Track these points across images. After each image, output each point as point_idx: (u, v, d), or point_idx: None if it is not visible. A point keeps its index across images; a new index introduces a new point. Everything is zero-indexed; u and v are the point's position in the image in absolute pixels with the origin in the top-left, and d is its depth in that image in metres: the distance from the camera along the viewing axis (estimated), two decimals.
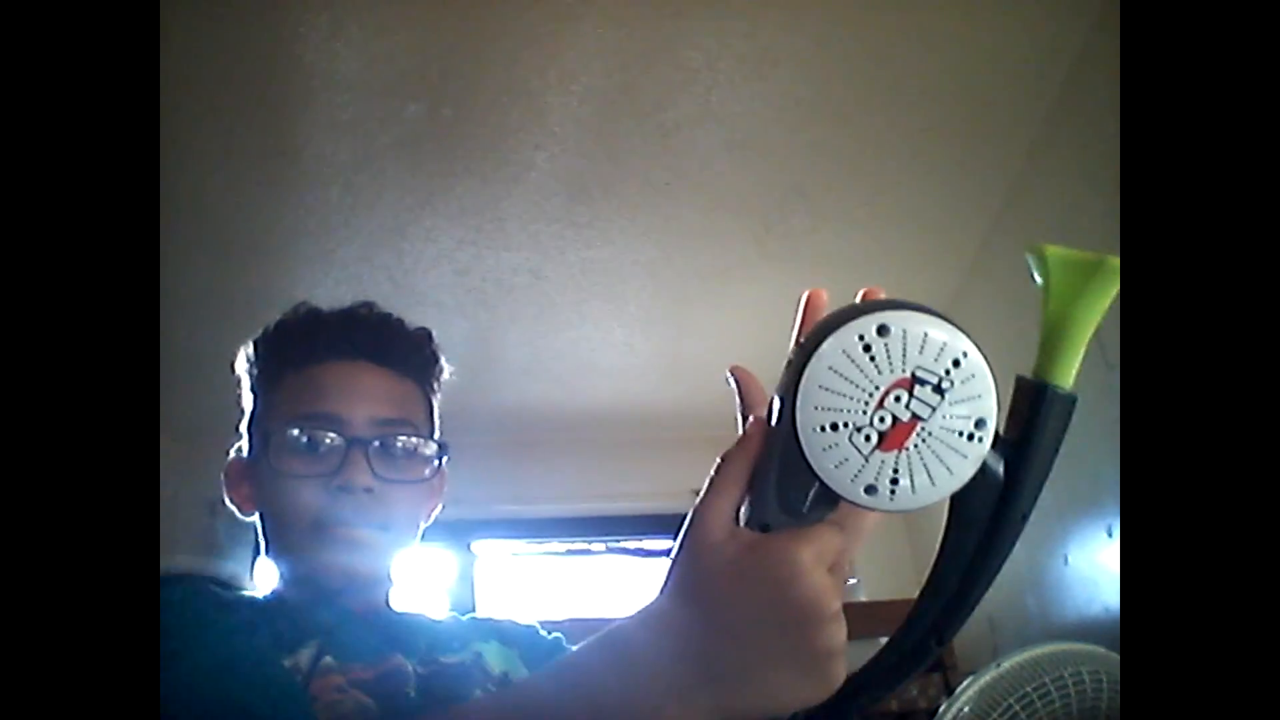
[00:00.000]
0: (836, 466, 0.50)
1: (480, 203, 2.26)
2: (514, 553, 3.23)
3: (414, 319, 1.03)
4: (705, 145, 2.11)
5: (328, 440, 0.91)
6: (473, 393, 2.90)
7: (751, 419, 0.57)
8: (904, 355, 0.49)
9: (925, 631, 0.57)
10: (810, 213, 2.35)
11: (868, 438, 0.50)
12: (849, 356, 0.49)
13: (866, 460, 0.50)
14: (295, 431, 0.91)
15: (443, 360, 1.06)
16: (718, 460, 0.57)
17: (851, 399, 0.50)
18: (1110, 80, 1.79)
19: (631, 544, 3.26)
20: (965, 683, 1.46)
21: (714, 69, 1.93)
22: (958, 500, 0.54)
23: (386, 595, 0.98)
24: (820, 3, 1.81)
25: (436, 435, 1.02)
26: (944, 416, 0.50)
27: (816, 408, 0.50)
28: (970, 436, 0.51)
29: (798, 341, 0.57)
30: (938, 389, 0.49)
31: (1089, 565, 1.96)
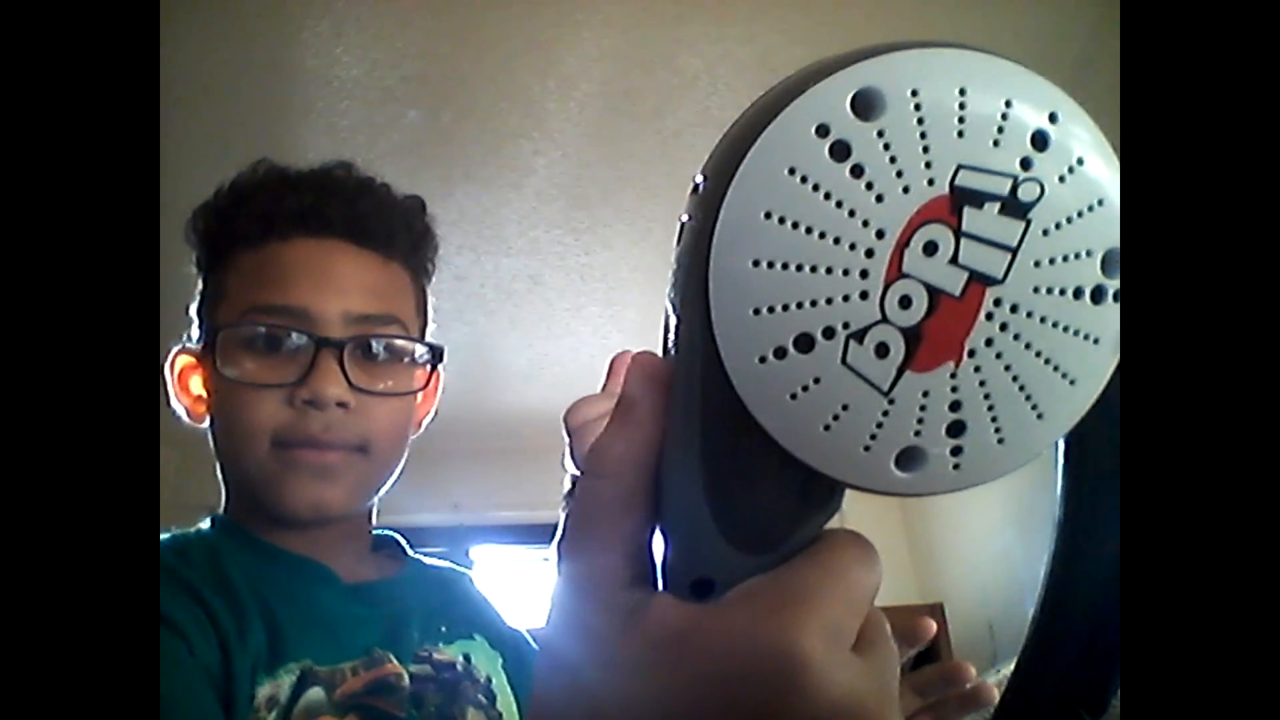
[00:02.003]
0: (826, 428, 0.25)
1: (479, 208, 2.26)
2: (513, 559, 3.23)
3: None
4: (704, 151, 2.08)
5: (291, 340, 0.72)
6: (472, 398, 2.90)
7: (639, 372, 0.29)
8: (923, 147, 0.25)
9: (1061, 697, 0.33)
10: None
11: (882, 350, 0.25)
12: (806, 176, 0.25)
13: (889, 400, 0.25)
14: (250, 328, 0.73)
15: (437, 237, 0.86)
16: (585, 466, 0.29)
17: (827, 271, 0.24)
18: (1110, 84, 1.79)
19: None
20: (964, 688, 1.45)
21: (713, 75, 1.94)
22: (1084, 437, 0.31)
23: (369, 534, 0.82)
24: (819, 9, 1.81)
25: (429, 333, 0.84)
26: (1035, 265, 0.25)
27: (758, 311, 0.25)
28: (1097, 293, 0.27)
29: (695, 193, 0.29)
30: (1014, 204, 0.25)
31: None
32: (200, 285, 0.79)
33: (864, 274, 0.24)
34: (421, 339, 0.81)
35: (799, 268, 0.24)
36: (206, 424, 0.77)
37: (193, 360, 0.78)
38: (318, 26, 1.79)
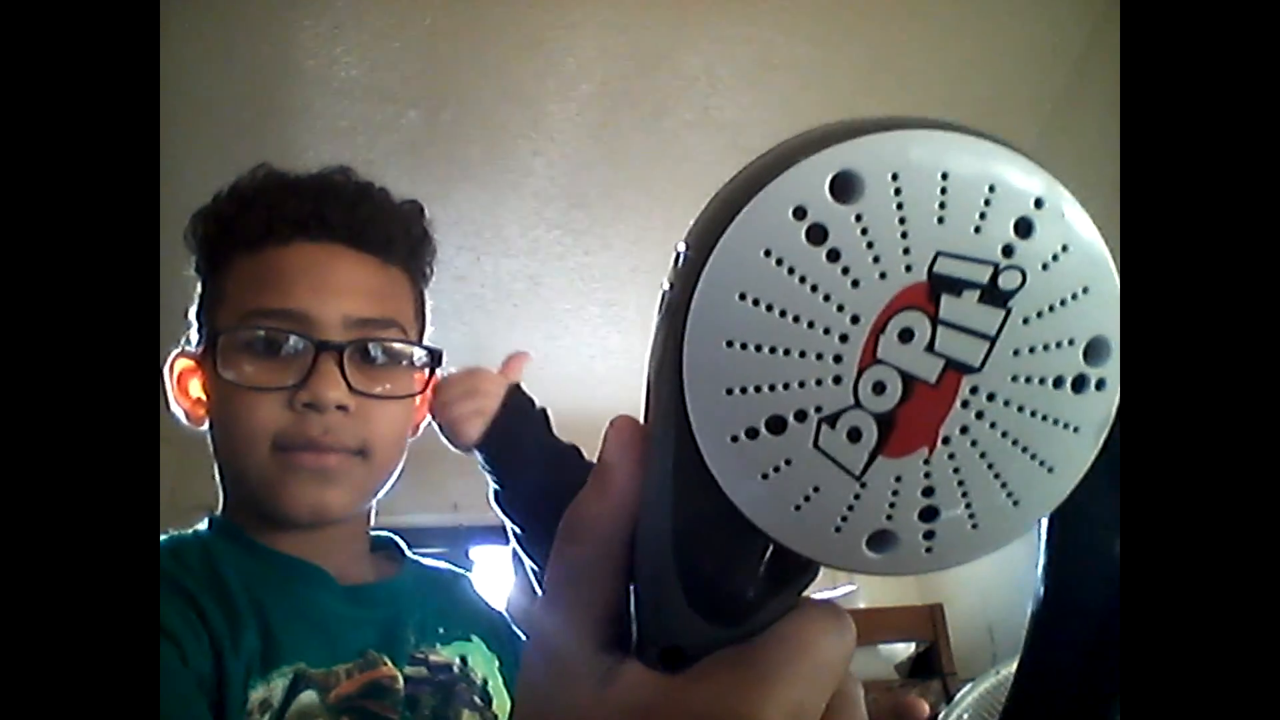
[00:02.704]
0: (797, 508, 0.25)
1: (479, 209, 2.26)
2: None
3: None
4: (705, 151, 2.12)
5: (291, 343, 0.72)
6: None
7: (618, 442, 0.30)
8: (901, 233, 0.24)
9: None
10: None
11: (854, 435, 0.24)
12: (781, 259, 0.24)
13: (861, 484, 0.25)
14: (250, 332, 0.73)
15: (436, 241, 0.86)
16: (560, 530, 0.29)
17: (800, 354, 0.24)
18: (1110, 84, 1.79)
19: None
20: (964, 689, 1.45)
21: (713, 75, 1.94)
22: (1066, 521, 0.31)
23: (367, 535, 0.83)
24: (819, 8, 1.81)
25: (427, 336, 0.85)
26: (1015, 353, 0.25)
27: (731, 391, 0.25)
28: (1079, 382, 0.26)
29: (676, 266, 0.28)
30: (994, 292, 0.24)
31: None
32: (200, 289, 0.79)
33: (838, 359, 0.24)
34: (420, 342, 0.81)
35: (772, 350, 0.24)
36: (206, 427, 0.77)
37: (192, 364, 0.79)
38: (317, 27, 1.79)
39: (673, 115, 2.03)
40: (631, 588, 0.28)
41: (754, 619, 0.27)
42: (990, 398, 0.25)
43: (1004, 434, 0.25)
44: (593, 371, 2.92)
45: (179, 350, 0.79)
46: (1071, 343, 0.26)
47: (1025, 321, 0.25)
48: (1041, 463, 0.26)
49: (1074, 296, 0.26)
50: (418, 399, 0.81)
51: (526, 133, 2.06)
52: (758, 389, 0.24)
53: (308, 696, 0.67)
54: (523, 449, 0.94)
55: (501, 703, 0.77)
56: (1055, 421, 0.26)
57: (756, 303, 0.24)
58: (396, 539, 0.86)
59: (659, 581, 0.27)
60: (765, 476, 0.25)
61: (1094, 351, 0.27)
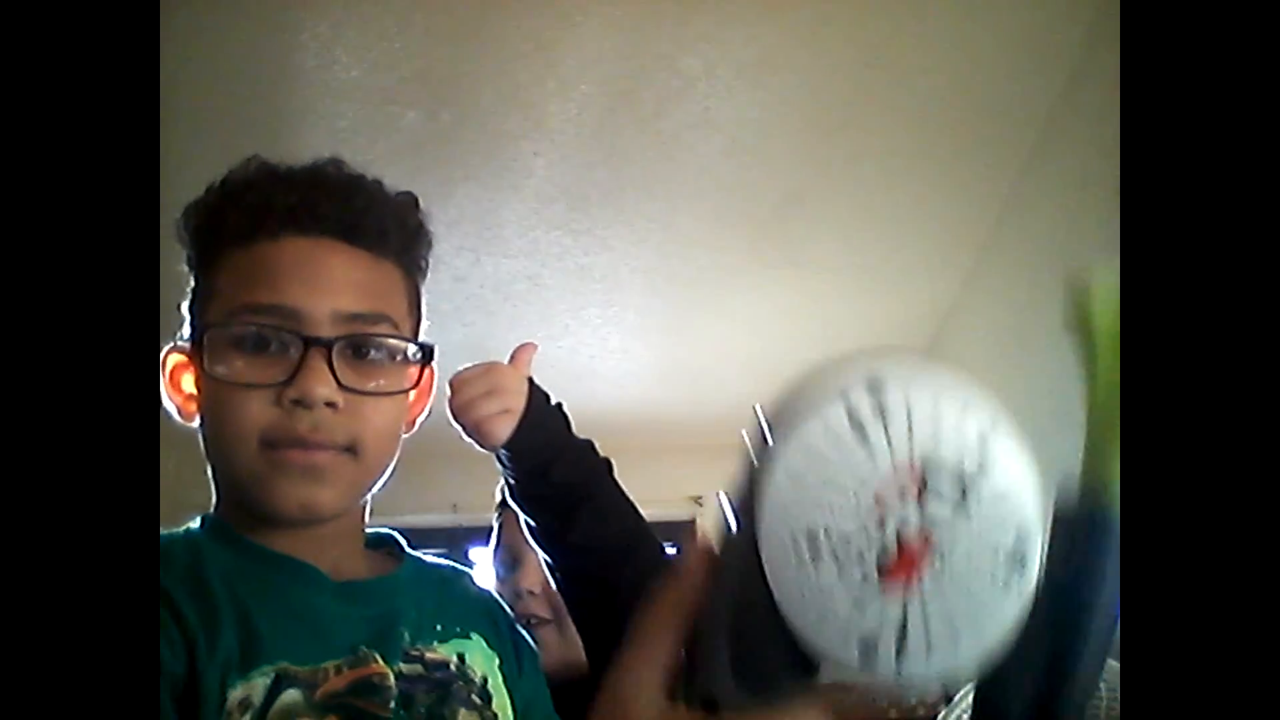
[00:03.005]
0: (819, 615, 0.37)
1: (479, 209, 2.26)
2: None
3: None
4: (704, 152, 2.12)
5: (279, 339, 0.72)
6: None
7: (693, 545, 0.43)
8: (909, 435, 0.36)
9: None
10: (808, 220, 2.35)
11: (863, 575, 0.36)
12: (835, 436, 0.36)
13: (862, 601, 0.36)
14: (239, 328, 0.73)
15: (431, 234, 0.86)
16: (645, 604, 0.42)
17: (840, 504, 0.36)
18: (1109, 86, 1.79)
19: None
20: (964, 690, 1.45)
21: (713, 77, 1.94)
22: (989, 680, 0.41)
23: (362, 532, 0.82)
24: (819, 11, 1.81)
25: (421, 331, 0.83)
26: (965, 534, 0.36)
27: (790, 519, 0.37)
28: (1009, 573, 0.37)
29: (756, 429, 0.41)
30: (959, 489, 0.36)
31: None
32: (191, 283, 0.79)
33: (858, 512, 0.36)
34: (414, 338, 0.80)
35: (822, 498, 0.36)
36: (197, 423, 0.77)
37: (184, 359, 0.78)
38: (317, 28, 1.79)
39: (672, 116, 2.03)
40: (688, 652, 0.40)
41: (774, 692, 0.39)
42: (950, 566, 0.36)
43: (956, 593, 0.36)
44: (593, 371, 2.92)
45: (172, 345, 0.78)
46: (1004, 541, 0.37)
47: (977, 517, 0.36)
48: (980, 619, 0.37)
49: (1004, 516, 0.37)
50: (411, 395, 0.80)
51: (526, 134, 2.06)
52: (809, 535, 0.36)
53: (291, 695, 0.66)
54: (551, 447, 0.96)
55: (501, 701, 0.76)
56: (987, 591, 0.37)
57: (818, 459, 0.36)
58: (396, 535, 0.86)
59: (713, 652, 0.39)
60: (803, 595, 0.37)
61: (1020, 554, 0.37)
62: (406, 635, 0.74)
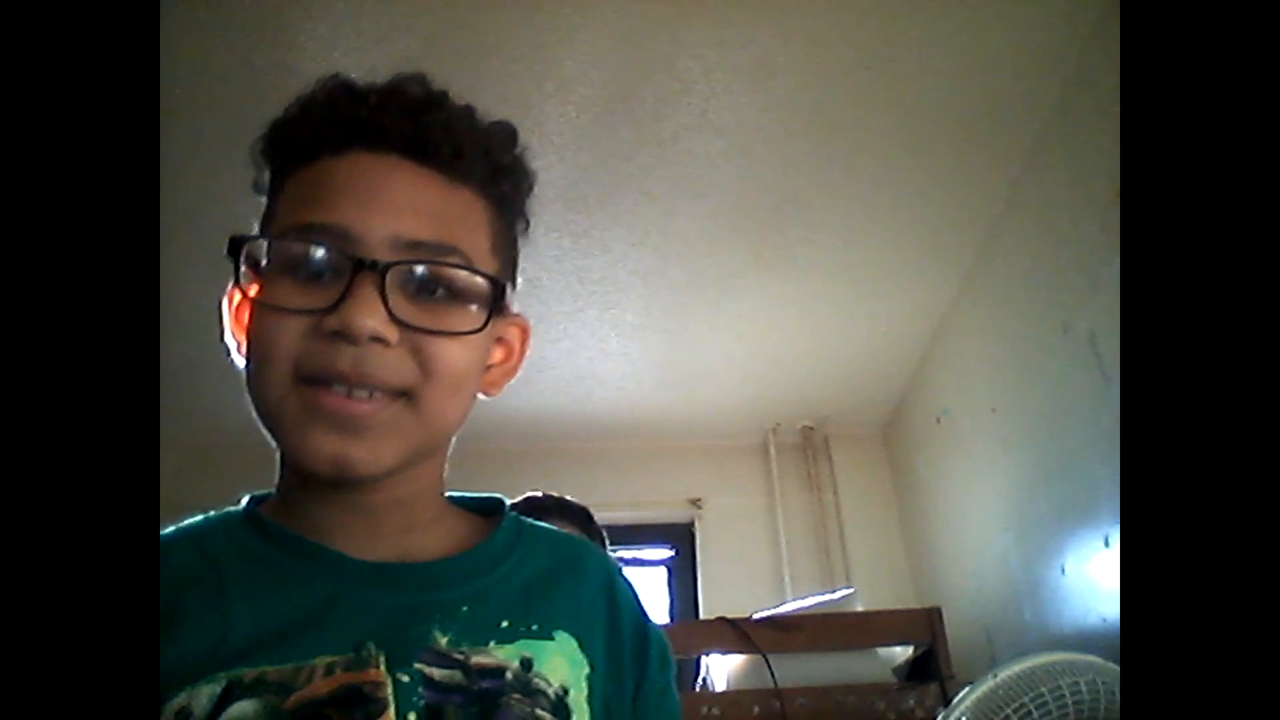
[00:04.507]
0: None
1: None
2: None
3: None
4: (702, 155, 2.12)
5: (325, 259, 0.62)
6: None
7: None
8: None
9: None
10: (806, 222, 2.35)
11: None
12: None
13: None
14: (283, 249, 0.64)
15: (532, 175, 0.75)
16: None
17: None
18: (1108, 87, 1.79)
19: (628, 553, 3.26)
20: (962, 693, 1.45)
21: (711, 79, 1.94)
22: None
23: (431, 504, 0.71)
24: (817, 13, 1.81)
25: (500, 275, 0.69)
26: None
27: None
28: None
29: None
30: None
31: (1086, 575, 1.96)
32: (262, 210, 0.71)
33: None
34: (499, 285, 0.67)
35: None
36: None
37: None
38: (315, 31, 1.79)
39: (671, 119, 2.03)
40: None
41: None
42: None
43: None
44: (591, 374, 2.91)
45: (233, 282, 0.67)
46: None
47: None
48: None
49: None
50: (493, 352, 0.70)
51: (525, 136, 2.05)
52: None
53: (243, 708, 0.55)
54: None
55: (581, 718, 0.63)
56: None
57: None
58: (503, 500, 0.75)
59: None
60: None
61: None
62: (437, 633, 0.62)
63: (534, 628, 0.64)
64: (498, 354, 0.74)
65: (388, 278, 0.61)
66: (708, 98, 1.98)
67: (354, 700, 0.57)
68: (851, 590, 2.68)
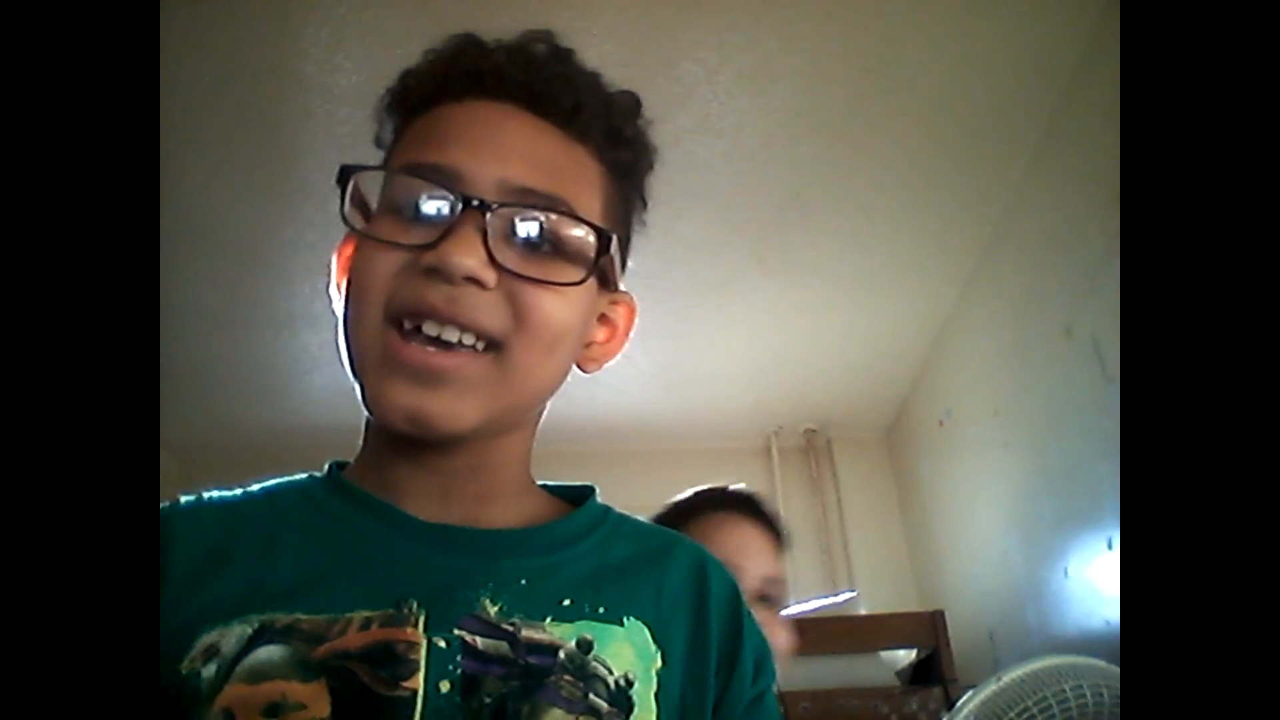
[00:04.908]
0: None
1: None
2: None
3: None
4: (704, 158, 2.12)
5: (432, 197, 0.61)
6: None
7: None
8: None
9: None
10: (809, 225, 2.35)
11: None
12: None
13: None
14: (391, 180, 0.63)
15: (654, 151, 0.74)
16: None
17: None
18: (1109, 90, 1.79)
19: None
20: (965, 696, 1.45)
21: (713, 82, 1.94)
22: None
23: (520, 472, 0.68)
24: (819, 16, 1.81)
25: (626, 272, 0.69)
26: None
27: None
28: None
29: None
30: None
31: (1089, 578, 1.95)
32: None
33: None
34: (606, 239, 0.64)
35: None
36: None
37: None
38: (318, 34, 1.79)
39: (673, 121, 2.03)
40: None
41: None
42: None
43: None
44: (593, 377, 2.90)
45: (340, 216, 0.65)
46: None
47: None
48: None
49: None
50: (596, 329, 0.69)
51: None
52: None
53: (270, 652, 0.53)
54: None
55: (645, 713, 0.58)
56: None
57: None
58: (592, 489, 0.73)
59: None
60: None
61: None
62: (486, 600, 0.58)
63: (601, 610, 0.60)
64: (601, 333, 0.73)
65: (491, 220, 0.60)
66: (709, 101, 1.98)
67: (385, 658, 0.54)
68: (854, 593, 2.68)
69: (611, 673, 0.58)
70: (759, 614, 0.91)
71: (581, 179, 0.66)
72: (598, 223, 0.65)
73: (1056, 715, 1.36)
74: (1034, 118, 2.05)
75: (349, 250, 0.66)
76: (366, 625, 0.55)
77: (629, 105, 0.73)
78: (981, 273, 2.50)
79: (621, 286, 0.72)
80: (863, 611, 2.68)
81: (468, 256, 0.58)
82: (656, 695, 0.59)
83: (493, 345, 0.61)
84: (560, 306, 0.63)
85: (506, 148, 0.63)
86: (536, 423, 0.71)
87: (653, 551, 0.68)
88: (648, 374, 2.93)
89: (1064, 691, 1.37)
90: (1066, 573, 2.05)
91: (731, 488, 1.32)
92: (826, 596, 2.64)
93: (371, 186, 0.65)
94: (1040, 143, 2.10)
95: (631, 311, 0.75)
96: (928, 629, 2.27)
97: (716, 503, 1.19)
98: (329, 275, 0.69)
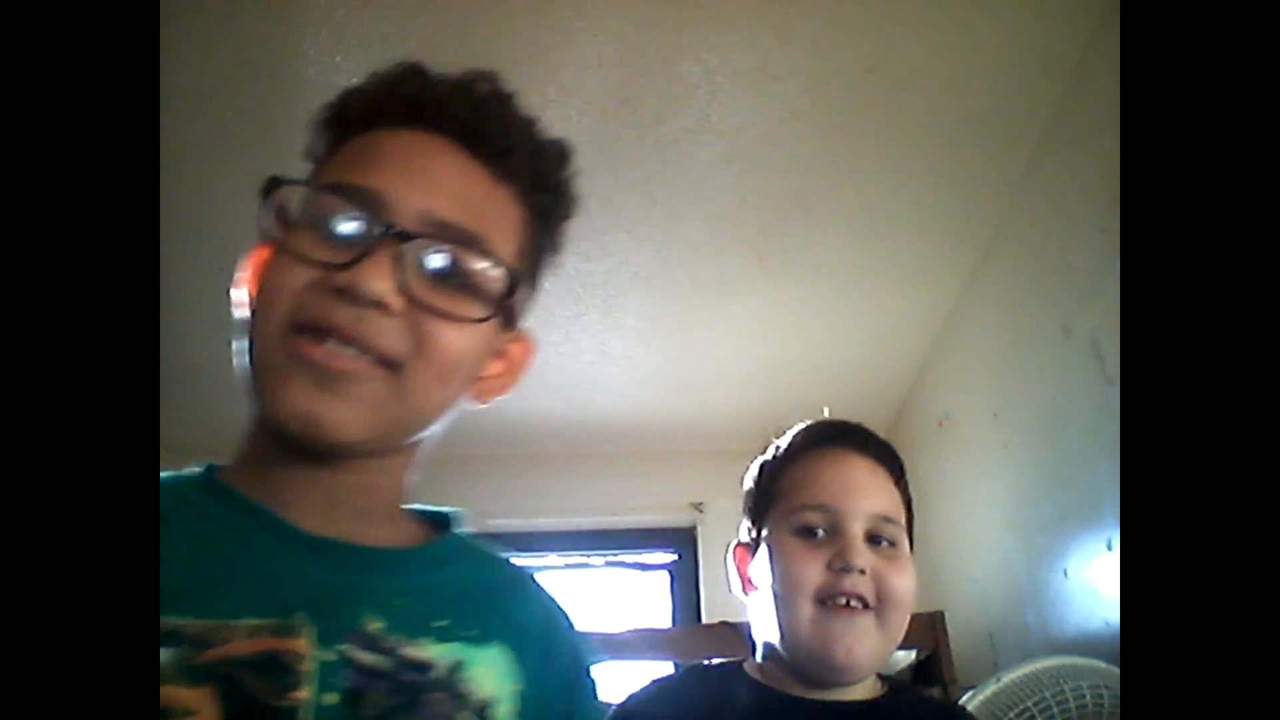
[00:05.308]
0: None
1: None
2: None
3: None
4: (704, 158, 2.12)
5: (352, 219, 0.62)
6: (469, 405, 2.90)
7: None
8: None
9: None
10: (808, 225, 2.35)
11: None
12: None
13: None
14: (315, 196, 0.63)
15: (575, 202, 0.77)
16: None
17: None
18: (1109, 90, 1.79)
19: (630, 558, 3.25)
20: (965, 697, 1.45)
21: (713, 82, 1.94)
22: None
23: (392, 494, 0.69)
24: (819, 16, 1.81)
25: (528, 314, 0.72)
26: None
27: None
28: None
29: None
30: None
31: (1089, 579, 1.95)
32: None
33: None
34: (514, 278, 0.67)
35: None
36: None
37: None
38: (318, 35, 1.79)
39: (672, 122, 2.03)
40: None
41: None
42: None
43: None
44: (593, 378, 2.91)
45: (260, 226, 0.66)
46: None
47: None
48: None
49: None
50: (492, 362, 0.70)
51: None
52: None
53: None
54: None
55: None
56: None
57: None
58: (458, 516, 0.74)
59: None
60: None
61: None
62: (368, 617, 0.60)
63: (471, 632, 0.63)
64: (496, 367, 0.74)
65: (407, 249, 0.61)
66: (709, 101, 1.98)
67: (272, 668, 0.55)
68: None
69: (476, 691, 0.61)
70: (873, 559, 0.98)
71: (501, 219, 0.69)
72: (510, 263, 0.68)
73: (1056, 716, 1.36)
74: (1034, 118, 2.05)
75: (261, 257, 0.67)
76: (254, 634, 0.56)
77: (558, 154, 0.76)
78: (981, 273, 2.50)
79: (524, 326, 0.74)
80: None
81: (380, 281, 0.60)
82: (514, 717, 0.63)
83: (390, 366, 0.62)
84: (460, 339, 0.65)
85: (434, 180, 0.65)
86: (417, 450, 0.71)
87: (508, 580, 0.73)
88: (647, 375, 2.93)
89: (1063, 692, 1.37)
90: (1066, 573, 2.05)
91: (825, 420, 1.24)
92: None
93: (296, 196, 0.66)
94: (1040, 142, 2.10)
95: (527, 349, 0.76)
96: (927, 630, 2.27)
97: (812, 441, 1.11)
98: (236, 278, 0.70)
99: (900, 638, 0.98)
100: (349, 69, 1.85)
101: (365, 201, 0.62)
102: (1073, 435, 1.96)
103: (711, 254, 2.43)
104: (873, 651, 0.95)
